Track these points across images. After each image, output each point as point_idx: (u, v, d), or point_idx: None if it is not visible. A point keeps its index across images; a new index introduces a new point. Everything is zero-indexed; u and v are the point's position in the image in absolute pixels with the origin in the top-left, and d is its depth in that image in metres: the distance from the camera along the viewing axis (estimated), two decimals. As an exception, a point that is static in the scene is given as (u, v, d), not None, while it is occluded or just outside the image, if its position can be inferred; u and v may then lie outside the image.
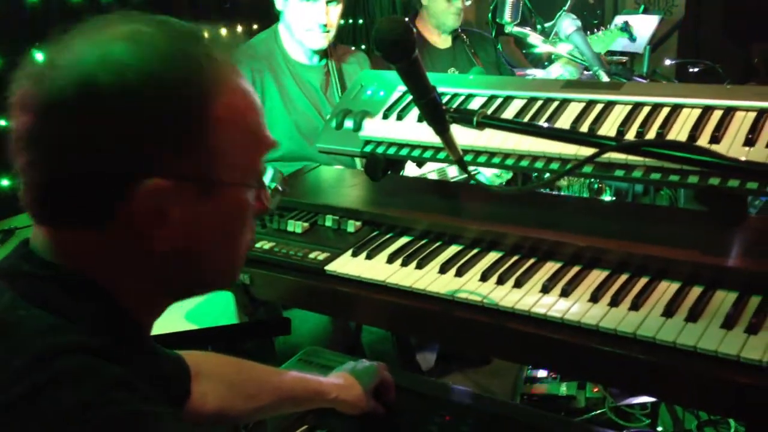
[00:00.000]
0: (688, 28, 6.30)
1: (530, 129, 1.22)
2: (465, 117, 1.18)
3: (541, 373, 3.16)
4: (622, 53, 4.11)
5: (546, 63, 4.15)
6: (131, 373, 0.80)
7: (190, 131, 0.83)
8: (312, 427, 1.63)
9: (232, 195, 0.90)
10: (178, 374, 1.24)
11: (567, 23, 2.70)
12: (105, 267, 0.87)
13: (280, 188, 1.01)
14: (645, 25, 4.24)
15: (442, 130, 1.21)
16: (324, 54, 2.68)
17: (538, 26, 3.49)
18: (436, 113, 1.18)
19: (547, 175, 1.47)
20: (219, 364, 1.40)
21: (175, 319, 1.89)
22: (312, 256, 1.61)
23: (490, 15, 3.66)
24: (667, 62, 4.34)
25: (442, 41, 3.40)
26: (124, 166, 0.82)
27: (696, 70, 4.11)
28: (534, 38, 3.11)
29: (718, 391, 1.15)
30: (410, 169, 2.36)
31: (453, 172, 2.56)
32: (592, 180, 3.22)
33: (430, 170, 2.53)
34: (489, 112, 1.33)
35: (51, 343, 0.79)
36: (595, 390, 2.91)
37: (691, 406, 1.53)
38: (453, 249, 1.55)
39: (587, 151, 1.09)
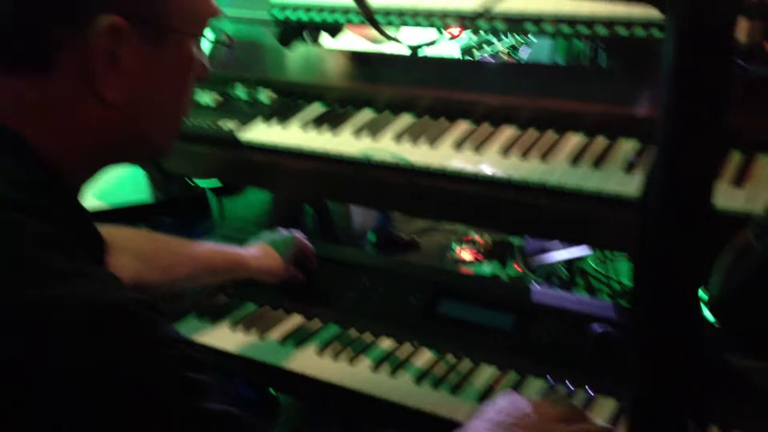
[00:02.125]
0: None
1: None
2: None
3: (466, 255, 3.26)
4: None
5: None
6: (65, 232, 0.77)
7: None
8: (231, 297, 1.65)
9: (179, 45, 0.88)
10: (92, 243, 1.21)
11: None
12: (40, 119, 0.82)
13: (226, 41, 0.99)
14: None
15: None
16: None
17: None
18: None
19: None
20: (132, 238, 1.38)
21: (86, 197, 1.83)
22: (225, 125, 1.57)
23: None
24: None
25: None
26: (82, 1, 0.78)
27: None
28: None
29: (623, 231, 1.21)
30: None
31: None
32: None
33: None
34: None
35: None
36: (516, 266, 3.02)
37: (599, 246, 1.60)
38: (367, 113, 1.54)
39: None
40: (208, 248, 1.52)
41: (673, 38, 0.64)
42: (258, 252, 1.57)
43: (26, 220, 0.74)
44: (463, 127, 1.45)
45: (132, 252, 1.33)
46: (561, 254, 1.90)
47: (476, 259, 3.12)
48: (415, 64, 1.70)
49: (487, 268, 3.02)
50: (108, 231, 1.30)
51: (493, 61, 2.50)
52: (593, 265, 2.55)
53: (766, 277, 0.65)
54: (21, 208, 0.75)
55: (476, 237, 3.00)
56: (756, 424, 1.17)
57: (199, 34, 0.92)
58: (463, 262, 3.14)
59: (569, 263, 2.41)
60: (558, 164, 1.29)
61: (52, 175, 0.82)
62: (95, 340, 0.68)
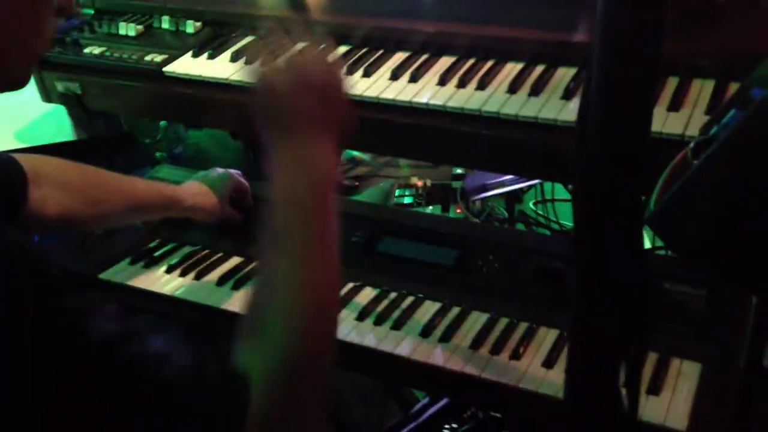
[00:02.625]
0: None
1: None
2: None
3: (407, 200, 3.24)
4: None
5: None
6: None
7: None
8: (165, 240, 1.59)
9: None
10: (9, 180, 1.14)
11: None
12: None
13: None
14: None
15: None
16: None
17: None
18: None
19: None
20: (60, 168, 1.30)
21: (4, 139, 1.74)
22: (148, 58, 1.49)
23: None
24: None
25: None
26: None
27: None
28: None
29: (559, 158, 1.19)
30: None
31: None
32: None
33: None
34: None
35: None
36: (458, 211, 3.02)
37: (536, 175, 1.59)
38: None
39: None
40: (143, 184, 1.45)
41: None
42: (196, 189, 1.50)
43: None
44: (399, 56, 1.40)
45: (59, 183, 1.26)
46: (499, 190, 1.89)
47: (417, 203, 3.11)
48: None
49: (429, 211, 3.01)
50: (33, 160, 1.23)
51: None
52: (533, 207, 2.56)
53: (701, 186, 0.65)
54: None
55: (417, 181, 2.99)
56: (690, 350, 1.18)
57: None
58: (405, 206, 3.12)
59: (510, 205, 2.42)
60: (496, 93, 1.26)
61: None
62: None
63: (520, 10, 1.46)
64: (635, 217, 0.71)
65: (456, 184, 2.56)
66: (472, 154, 1.29)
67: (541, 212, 2.46)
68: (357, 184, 3.53)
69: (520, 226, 2.74)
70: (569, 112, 1.17)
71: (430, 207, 3.07)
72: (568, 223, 2.76)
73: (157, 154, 2.43)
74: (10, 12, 0.80)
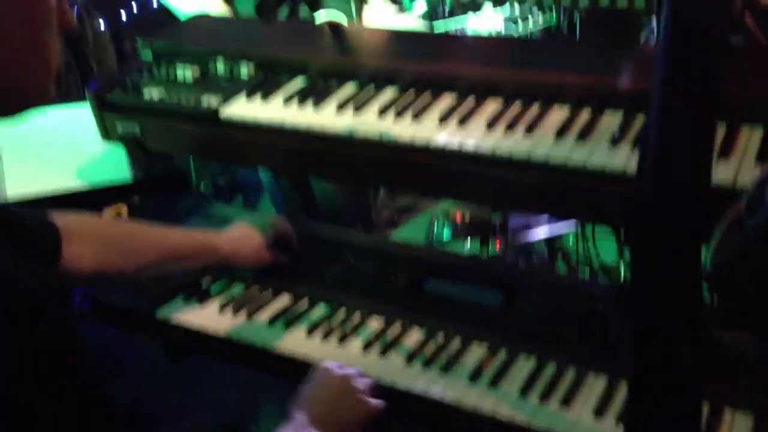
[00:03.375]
0: None
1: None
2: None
3: (446, 234, 3.25)
4: None
5: None
6: None
7: None
8: (217, 276, 1.63)
9: None
10: (42, 233, 1.18)
11: None
12: None
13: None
14: None
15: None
16: None
17: None
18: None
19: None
20: (94, 224, 1.36)
21: (66, 177, 1.80)
22: (205, 102, 1.54)
23: None
24: None
25: None
26: None
27: None
28: None
29: (607, 204, 1.20)
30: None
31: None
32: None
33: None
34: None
35: None
36: (497, 245, 3.02)
37: (582, 218, 1.60)
38: (350, 87, 1.52)
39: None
40: (178, 234, 1.48)
41: (667, 13, 0.63)
42: (235, 236, 1.52)
43: None
44: (447, 100, 1.43)
45: (93, 238, 1.31)
46: (543, 231, 1.89)
47: (456, 236, 3.11)
48: (397, 36, 1.67)
49: (467, 246, 3.01)
50: (67, 217, 1.28)
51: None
52: (573, 244, 2.55)
53: (757, 249, 0.66)
54: None
55: (456, 214, 3.00)
56: (745, 400, 1.17)
57: None
58: (444, 240, 3.13)
59: (550, 241, 2.41)
60: (544, 138, 1.27)
61: None
62: None
63: (564, 55, 1.49)
64: (693, 266, 0.72)
65: (495, 218, 2.57)
66: (520, 198, 1.31)
67: (581, 249, 2.46)
68: (395, 216, 3.56)
69: (560, 263, 2.74)
70: (617, 158, 1.18)
71: (470, 241, 3.09)
72: (608, 261, 2.76)
73: (202, 183, 2.51)
74: (7, 24, 0.84)
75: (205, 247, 1.48)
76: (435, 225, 3.29)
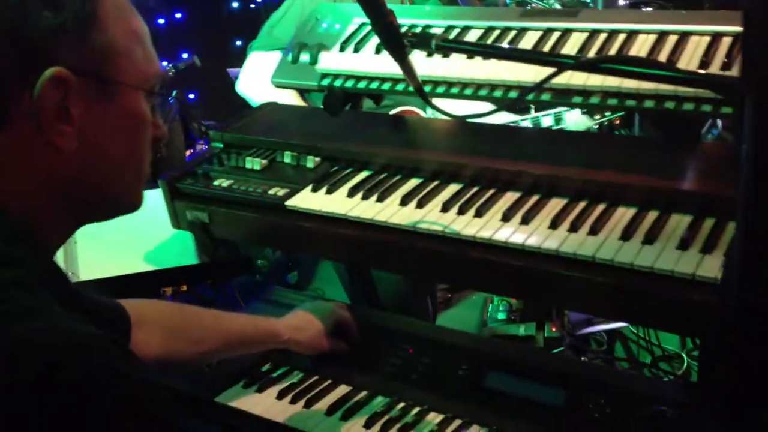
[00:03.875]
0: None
1: (489, 51, 1.21)
2: (423, 40, 1.16)
3: (501, 315, 3.20)
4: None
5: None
6: (33, 278, 0.81)
7: (85, 22, 0.86)
8: (277, 363, 1.64)
9: (127, 100, 0.92)
10: (114, 321, 1.23)
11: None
12: (2, 176, 0.87)
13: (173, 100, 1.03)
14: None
15: (401, 56, 1.19)
16: None
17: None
18: (395, 38, 1.17)
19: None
20: (161, 311, 1.40)
21: (133, 260, 1.87)
22: (272, 191, 1.59)
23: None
24: (621, 2, 4.34)
25: None
26: (24, 59, 0.84)
27: (649, 9, 4.12)
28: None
29: (675, 309, 1.18)
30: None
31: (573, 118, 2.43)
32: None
33: (545, 113, 2.41)
34: (447, 40, 1.32)
35: None
36: (554, 330, 2.97)
37: (648, 326, 1.57)
38: (413, 182, 1.55)
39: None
40: (240, 320, 1.52)
41: (752, 122, 0.64)
42: (295, 322, 1.55)
43: None
44: (510, 197, 1.44)
45: (160, 325, 1.35)
46: (604, 325, 1.86)
47: (511, 319, 3.07)
48: (462, 131, 1.70)
49: (522, 330, 2.97)
50: (135, 304, 1.33)
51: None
52: (633, 329, 2.49)
53: None
54: None
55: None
56: None
57: (150, 93, 0.96)
58: (498, 322, 3.09)
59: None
60: (608, 239, 1.27)
61: (21, 229, 0.86)
62: (59, 376, 0.72)
63: (628, 153, 1.50)
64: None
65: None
66: (582, 299, 1.30)
67: (642, 335, 2.40)
68: (449, 296, 3.53)
69: (619, 350, 2.66)
70: (686, 263, 1.17)
71: (525, 325, 3.04)
72: (670, 347, 2.68)
73: (259, 261, 2.55)
74: (108, 141, 0.92)
75: (267, 333, 1.50)
76: (489, 306, 3.26)
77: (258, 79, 2.41)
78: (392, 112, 2.51)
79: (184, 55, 4.18)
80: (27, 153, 0.87)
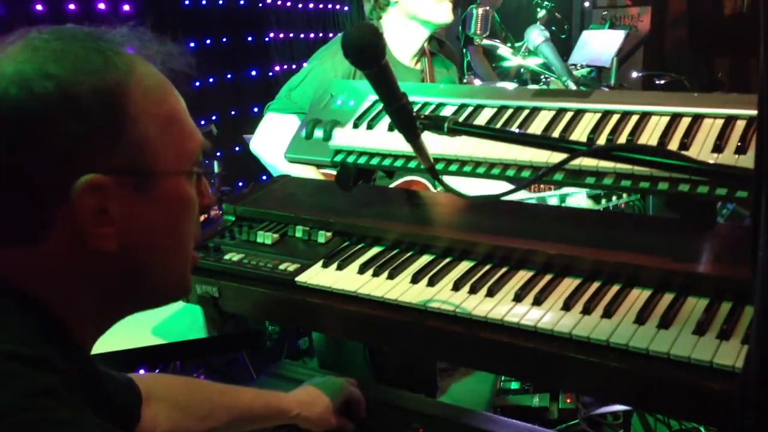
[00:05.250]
0: (654, 44, 6.41)
1: (500, 135, 1.22)
2: (436, 123, 1.17)
3: (514, 385, 3.15)
4: (588, 66, 4.17)
5: (514, 79, 4.19)
6: (64, 384, 0.78)
7: (114, 123, 0.84)
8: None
9: (168, 186, 0.90)
10: (126, 398, 1.21)
11: (535, 34, 2.72)
12: (42, 281, 0.85)
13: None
14: (611, 41, 4.32)
15: (413, 137, 1.20)
16: (422, 53, 2.61)
17: (509, 44, 3.52)
18: (407, 120, 1.17)
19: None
20: (170, 386, 1.38)
21: (142, 333, 1.85)
22: (282, 267, 1.58)
23: (460, 27, 3.68)
24: (634, 74, 4.41)
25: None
26: (55, 171, 0.81)
27: (662, 82, 4.18)
28: (503, 50, 3.13)
29: (691, 397, 1.15)
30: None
31: (576, 201, 2.44)
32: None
33: (551, 194, 2.46)
34: (460, 120, 1.33)
35: None
36: (568, 401, 2.90)
37: (664, 413, 1.52)
38: (425, 259, 1.54)
39: (559, 159, 1.08)
40: (249, 395, 1.49)
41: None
42: (304, 397, 1.53)
43: (21, 369, 0.76)
44: (522, 275, 1.43)
45: (169, 401, 1.33)
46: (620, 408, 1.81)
47: (525, 389, 3.01)
48: (475, 208, 1.70)
49: (536, 400, 2.90)
50: (146, 379, 1.31)
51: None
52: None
53: None
54: (15, 357, 0.76)
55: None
56: None
57: (191, 170, 0.93)
58: (511, 391, 3.03)
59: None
60: (623, 322, 1.25)
61: (57, 329, 0.84)
62: None
63: (642, 235, 1.48)
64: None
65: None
66: (594, 384, 1.26)
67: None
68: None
69: (636, 423, 2.58)
70: (703, 350, 1.14)
71: (539, 395, 2.97)
72: (689, 422, 2.60)
73: (270, 327, 2.52)
74: (152, 231, 0.90)
75: (275, 409, 1.48)
76: (502, 376, 3.20)
77: (272, 140, 2.45)
78: (398, 181, 2.52)
79: (201, 122, 4.25)
80: (67, 261, 0.85)
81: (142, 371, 2.87)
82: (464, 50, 4.19)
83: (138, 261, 0.89)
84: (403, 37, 2.55)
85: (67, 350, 0.85)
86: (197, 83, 4.66)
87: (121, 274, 0.88)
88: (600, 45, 4.28)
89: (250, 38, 4.81)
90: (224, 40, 4.67)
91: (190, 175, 0.94)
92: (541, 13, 4.98)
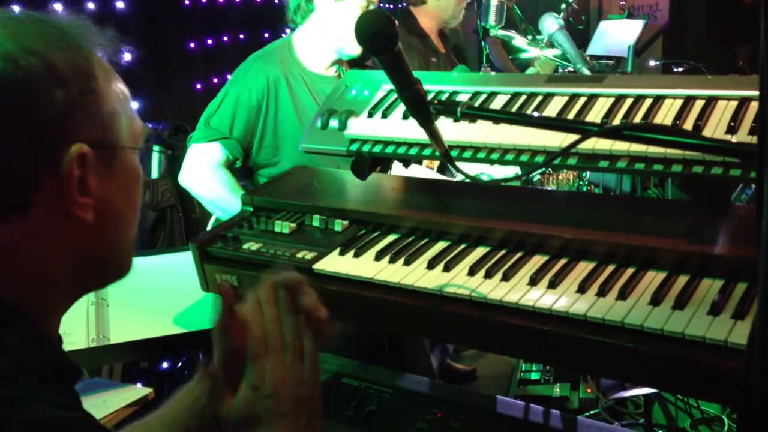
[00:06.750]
0: (673, 33, 6.35)
1: (513, 118, 1.22)
2: (449, 108, 1.18)
3: (534, 375, 3.15)
4: (607, 57, 4.14)
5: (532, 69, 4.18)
6: (16, 366, 0.81)
7: (89, 95, 0.89)
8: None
9: (128, 160, 0.96)
10: None
11: (550, 22, 2.72)
12: (6, 262, 0.87)
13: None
14: (629, 30, 4.29)
15: (427, 123, 1.21)
16: (337, 62, 2.60)
17: (528, 36, 3.51)
18: (421, 106, 1.18)
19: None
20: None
21: (163, 323, 1.88)
22: (300, 255, 1.60)
23: (478, 20, 3.69)
24: (652, 63, 4.37)
25: None
26: (46, 140, 0.85)
27: (680, 70, 4.14)
28: (519, 41, 3.13)
29: (706, 377, 1.15)
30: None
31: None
32: (580, 183, 3.24)
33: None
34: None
35: None
36: (588, 390, 2.90)
37: (680, 393, 1.52)
38: (440, 245, 1.55)
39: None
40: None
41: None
42: None
43: None
44: (537, 260, 1.44)
45: None
46: (638, 392, 1.81)
47: (545, 379, 3.01)
48: (489, 194, 1.71)
49: (557, 390, 2.90)
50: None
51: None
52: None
53: None
54: None
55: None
56: None
57: (138, 148, 0.99)
58: (532, 382, 3.03)
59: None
60: (638, 303, 1.25)
61: (5, 307, 0.85)
62: None
63: (657, 217, 1.48)
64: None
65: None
66: (609, 365, 1.27)
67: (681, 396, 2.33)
68: (473, 369, 3.47)
69: (657, 411, 2.57)
70: (718, 329, 1.14)
71: (559, 385, 2.97)
72: (710, 410, 2.59)
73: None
74: (119, 205, 0.94)
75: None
76: (522, 365, 3.20)
77: (199, 169, 2.41)
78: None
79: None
80: (45, 235, 0.88)
81: (165, 364, 2.92)
82: (483, 42, 4.19)
83: (107, 232, 0.93)
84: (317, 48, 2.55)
85: (22, 333, 0.86)
86: (215, 79, 4.71)
87: (90, 247, 0.92)
88: (618, 35, 4.25)
89: (266, 35, 4.84)
90: (241, 36, 4.71)
91: (138, 152, 1.00)
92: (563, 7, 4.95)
